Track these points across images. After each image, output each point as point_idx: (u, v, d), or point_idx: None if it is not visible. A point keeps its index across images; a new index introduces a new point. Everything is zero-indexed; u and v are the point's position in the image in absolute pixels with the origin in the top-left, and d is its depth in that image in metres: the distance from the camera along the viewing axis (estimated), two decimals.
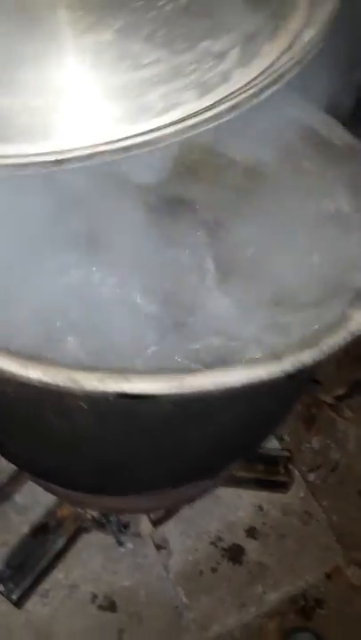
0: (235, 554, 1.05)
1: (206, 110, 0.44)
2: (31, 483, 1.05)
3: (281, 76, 0.45)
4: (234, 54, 0.46)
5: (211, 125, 0.43)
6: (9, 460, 0.79)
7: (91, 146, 0.42)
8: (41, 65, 0.44)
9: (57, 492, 0.80)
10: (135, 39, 0.44)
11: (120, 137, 0.43)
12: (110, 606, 0.97)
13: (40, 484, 0.81)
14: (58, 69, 0.44)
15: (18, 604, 0.92)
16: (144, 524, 0.91)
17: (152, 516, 0.97)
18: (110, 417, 0.52)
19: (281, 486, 1.08)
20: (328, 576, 1.18)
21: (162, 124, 0.43)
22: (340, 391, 1.45)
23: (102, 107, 0.44)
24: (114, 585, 0.99)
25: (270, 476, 1.07)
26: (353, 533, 1.16)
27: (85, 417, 0.52)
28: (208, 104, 0.44)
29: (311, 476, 1.32)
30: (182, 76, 0.44)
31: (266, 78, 0.45)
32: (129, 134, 0.43)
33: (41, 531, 0.96)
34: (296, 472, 1.13)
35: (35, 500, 1.05)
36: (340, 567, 1.19)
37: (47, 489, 0.80)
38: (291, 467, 1.08)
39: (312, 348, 0.47)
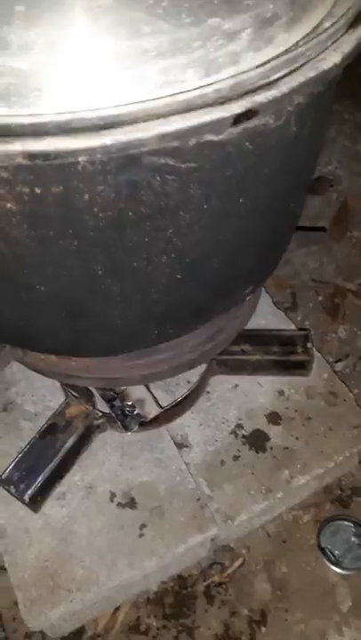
0: (257, 440, 0.93)
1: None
2: (39, 388, 0.97)
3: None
4: (245, 36, 0.39)
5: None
6: None
7: (70, 112, 0.35)
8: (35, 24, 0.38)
9: (40, 366, 0.69)
10: (137, 7, 0.39)
11: (105, 106, 0.36)
12: (130, 503, 0.88)
13: (22, 361, 0.70)
14: (51, 29, 0.38)
15: (32, 505, 0.84)
16: (149, 405, 0.80)
17: (162, 403, 0.86)
18: (44, 216, 0.40)
19: (300, 367, 0.95)
20: None
21: (156, 98, 0.36)
22: None
23: (93, 72, 0.38)
24: (132, 482, 0.90)
25: (288, 356, 0.94)
26: None
27: (18, 220, 0.40)
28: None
29: (339, 366, 1.19)
30: (185, 51, 0.38)
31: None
32: (116, 105, 0.36)
33: (49, 431, 0.87)
34: (317, 353, 0.99)
35: (45, 406, 0.96)
36: None
37: (28, 363, 0.70)
38: (309, 345, 0.94)
39: None
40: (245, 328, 0.90)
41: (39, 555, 0.83)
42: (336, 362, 1.19)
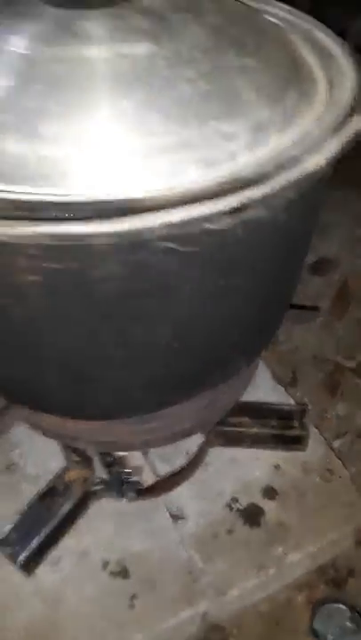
0: (252, 515, 0.94)
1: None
2: (41, 451, 0.99)
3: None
4: (242, 138, 0.47)
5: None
6: None
7: (93, 199, 0.42)
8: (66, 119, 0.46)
9: (43, 426, 0.72)
10: (154, 110, 0.47)
11: (121, 196, 0.42)
12: (122, 572, 0.88)
13: (27, 421, 0.73)
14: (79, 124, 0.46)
15: (26, 568, 0.84)
16: (146, 473, 0.82)
17: (159, 473, 0.88)
18: (61, 287, 0.45)
19: (297, 441, 0.97)
20: (359, 543, 1.05)
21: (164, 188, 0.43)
22: None
23: (111, 163, 0.45)
24: (126, 551, 0.90)
25: (285, 430, 0.96)
26: None
27: (36, 291, 0.45)
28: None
29: (337, 443, 1.20)
30: (191, 149, 0.45)
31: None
32: (130, 194, 0.42)
33: (48, 494, 0.88)
34: (313, 429, 1.01)
35: (46, 469, 0.98)
36: None
37: (33, 423, 0.73)
38: (305, 420, 0.97)
39: None
40: (244, 400, 0.93)
41: (29, 619, 0.82)
42: (334, 439, 1.20)
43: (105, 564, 0.88)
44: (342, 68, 0.58)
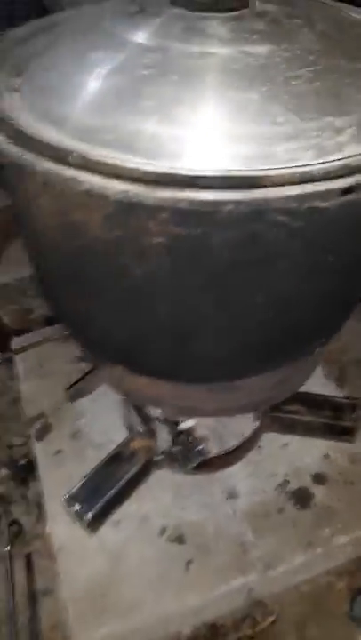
0: (302, 497, 0.99)
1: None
2: (105, 421, 1.05)
3: None
4: (350, 132, 0.53)
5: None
6: (81, 341, 0.78)
7: (226, 170, 0.48)
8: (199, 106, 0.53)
9: (128, 388, 0.79)
10: (275, 102, 0.53)
11: (247, 172, 0.49)
12: (179, 538, 0.94)
13: (111, 381, 0.79)
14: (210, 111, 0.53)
15: (91, 526, 0.90)
16: (210, 444, 0.88)
17: (221, 450, 0.94)
18: (181, 251, 0.52)
19: (347, 433, 1.02)
20: None
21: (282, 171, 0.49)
22: None
23: (235, 146, 0.51)
24: (182, 519, 0.96)
25: (337, 421, 1.01)
26: None
27: (158, 253, 0.52)
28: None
29: None
30: (306, 138, 0.51)
31: None
32: (255, 171, 0.49)
33: (114, 460, 0.95)
34: None
35: (109, 438, 1.04)
36: None
37: (118, 386, 0.79)
38: (356, 414, 1.02)
39: None
40: (299, 391, 0.99)
41: (92, 574, 0.88)
42: None
43: (163, 530, 0.94)
44: None
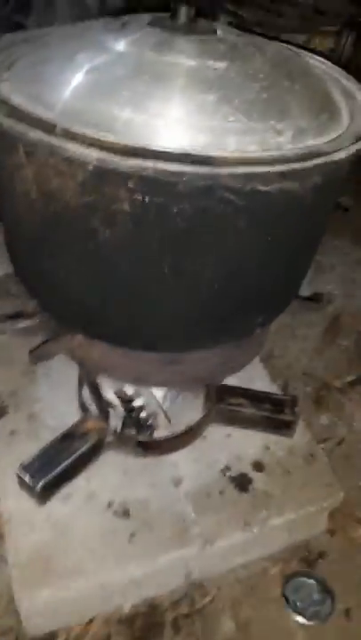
0: (242, 482, 1.07)
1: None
2: (60, 407, 1.12)
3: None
4: (289, 134, 0.66)
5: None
6: (46, 307, 0.85)
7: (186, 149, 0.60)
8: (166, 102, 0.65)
9: (83, 357, 0.86)
10: (229, 105, 0.65)
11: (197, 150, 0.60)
12: (125, 513, 1.00)
13: (68, 350, 0.87)
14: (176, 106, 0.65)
15: (41, 497, 0.96)
16: (160, 419, 0.95)
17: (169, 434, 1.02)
18: (145, 217, 0.61)
19: (287, 426, 1.12)
20: (331, 532, 1.18)
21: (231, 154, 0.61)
22: (349, 378, 1.50)
23: (194, 134, 0.63)
24: (129, 497, 1.02)
25: (277, 415, 1.11)
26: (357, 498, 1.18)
27: (125, 218, 0.62)
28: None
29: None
30: (252, 134, 0.63)
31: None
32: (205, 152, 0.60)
33: (67, 437, 1.01)
34: (301, 419, 1.16)
35: (63, 422, 1.10)
36: (343, 526, 1.19)
37: (74, 354, 0.87)
38: (296, 409, 1.12)
39: None
40: (243, 387, 1.09)
41: (38, 542, 0.93)
42: (317, 444, 1.34)
43: (110, 505, 1.00)
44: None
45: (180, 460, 1.07)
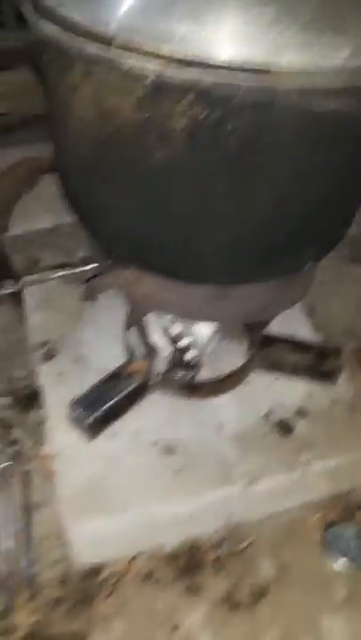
0: (284, 427, 1.07)
1: None
2: (106, 350, 1.14)
3: None
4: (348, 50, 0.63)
5: None
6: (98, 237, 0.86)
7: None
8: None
9: (137, 292, 0.87)
10: (288, 18, 0.63)
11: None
12: (170, 451, 1.02)
13: (121, 285, 0.88)
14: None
15: (90, 432, 0.98)
16: (206, 363, 0.97)
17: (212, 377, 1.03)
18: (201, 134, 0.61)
19: (330, 375, 1.11)
20: None
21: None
22: None
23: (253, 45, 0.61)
24: (173, 436, 1.03)
25: (321, 363, 1.10)
26: None
27: (182, 139, 0.62)
28: None
29: None
30: (311, 49, 0.62)
31: None
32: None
33: (114, 377, 1.03)
34: (345, 369, 1.15)
35: (110, 365, 1.12)
36: None
37: (124, 287, 0.88)
38: (339, 360, 1.11)
39: None
40: (288, 335, 1.08)
41: (86, 476, 0.96)
42: None
43: (155, 443, 1.02)
44: None
45: (224, 403, 1.08)
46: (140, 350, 1.06)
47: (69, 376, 1.11)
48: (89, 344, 1.16)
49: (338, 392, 1.13)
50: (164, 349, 1.04)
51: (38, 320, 1.21)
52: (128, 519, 0.93)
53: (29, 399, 1.23)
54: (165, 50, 0.58)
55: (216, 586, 1.00)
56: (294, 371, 1.12)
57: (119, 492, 0.94)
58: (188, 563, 1.03)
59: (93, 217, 0.82)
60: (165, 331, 1.02)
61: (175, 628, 0.95)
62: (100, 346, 1.15)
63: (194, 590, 0.99)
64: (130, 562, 1.02)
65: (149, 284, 0.82)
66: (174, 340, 1.00)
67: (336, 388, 1.13)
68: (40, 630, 0.93)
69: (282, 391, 1.11)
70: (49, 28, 0.64)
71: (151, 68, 0.58)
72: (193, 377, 1.01)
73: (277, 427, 1.07)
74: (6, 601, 0.93)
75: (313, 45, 0.63)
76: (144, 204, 0.71)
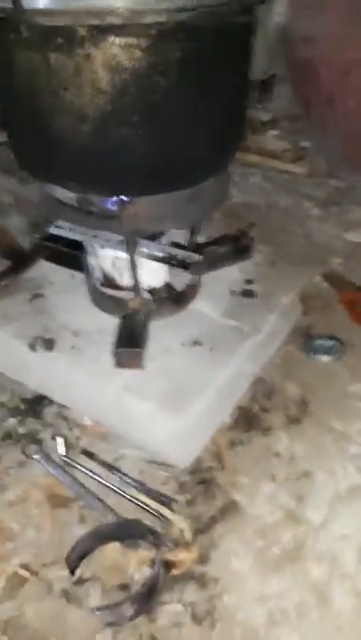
0: (247, 294, 1.44)
1: None
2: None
3: None
4: None
5: None
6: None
7: None
8: None
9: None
10: None
11: None
12: (196, 344, 1.30)
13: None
14: None
15: (140, 359, 1.21)
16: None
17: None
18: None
19: (248, 249, 1.51)
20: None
21: None
22: None
23: None
24: (184, 337, 1.32)
25: (240, 246, 1.50)
26: None
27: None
28: None
29: None
30: None
31: None
32: None
33: (128, 317, 1.28)
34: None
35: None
36: None
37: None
38: (250, 236, 1.52)
39: None
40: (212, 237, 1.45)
41: None
42: None
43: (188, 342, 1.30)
44: None
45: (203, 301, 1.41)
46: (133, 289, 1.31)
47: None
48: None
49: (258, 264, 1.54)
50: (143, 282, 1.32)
51: None
52: None
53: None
54: None
55: (272, 421, 1.33)
56: (225, 259, 1.49)
57: None
58: (247, 421, 1.34)
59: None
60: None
61: None
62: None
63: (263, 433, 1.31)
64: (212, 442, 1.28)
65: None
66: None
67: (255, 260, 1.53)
68: None
69: (228, 278, 1.48)
70: None
71: None
72: (175, 292, 1.31)
73: (242, 294, 1.44)
74: None
75: None
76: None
